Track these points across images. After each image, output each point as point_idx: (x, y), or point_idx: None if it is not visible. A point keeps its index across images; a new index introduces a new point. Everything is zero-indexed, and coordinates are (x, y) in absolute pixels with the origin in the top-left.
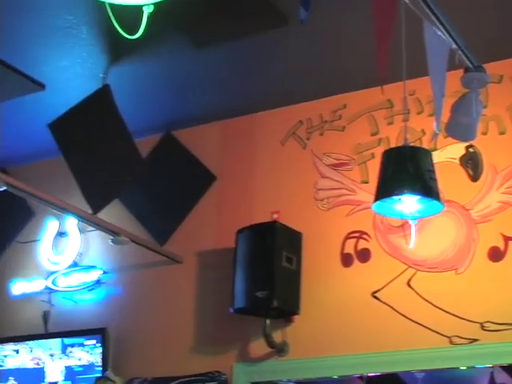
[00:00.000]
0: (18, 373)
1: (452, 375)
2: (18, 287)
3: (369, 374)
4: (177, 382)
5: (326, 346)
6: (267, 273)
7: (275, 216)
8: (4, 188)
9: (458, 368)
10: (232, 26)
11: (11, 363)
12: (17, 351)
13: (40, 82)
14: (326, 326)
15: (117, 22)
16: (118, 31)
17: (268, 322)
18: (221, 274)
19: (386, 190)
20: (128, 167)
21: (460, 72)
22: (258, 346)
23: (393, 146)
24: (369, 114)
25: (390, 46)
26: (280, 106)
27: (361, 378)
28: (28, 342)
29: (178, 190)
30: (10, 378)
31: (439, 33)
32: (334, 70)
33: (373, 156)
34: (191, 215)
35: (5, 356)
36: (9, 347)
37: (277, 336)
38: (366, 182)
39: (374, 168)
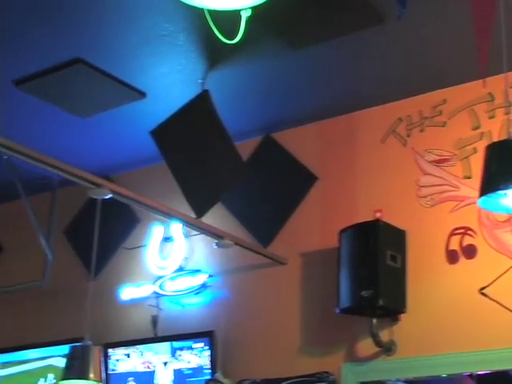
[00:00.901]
0: (131, 376)
1: None
2: (127, 292)
3: (478, 372)
4: (286, 382)
5: (433, 345)
6: (372, 272)
7: (378, 214)
8: (109, 195)
9: None
10: (328, 26)
11: (123, 367)
12: (128, 355)
13: (140, 90)
14: (433, 323)
15: (215, 27)
16: (215, 36)
17: (374, 321)
18: (325, 274)
19: (490, 184)
20: (230, 171)
21: None
22: (366, 346)
23: (495, 139)
24: (469, 109)
25: (491, 38)
26: (378, 104)
27: (470, 376)
28: (138, 346)
29: (280, 192)
30: (130, 379)
31: None
32: (432, 66)
33: (475, 151)
34: (294, 216)
35: (117, 360)
36: (120, 351)
37: (384, 335)
38: (469, 178)
39: (477, 163)
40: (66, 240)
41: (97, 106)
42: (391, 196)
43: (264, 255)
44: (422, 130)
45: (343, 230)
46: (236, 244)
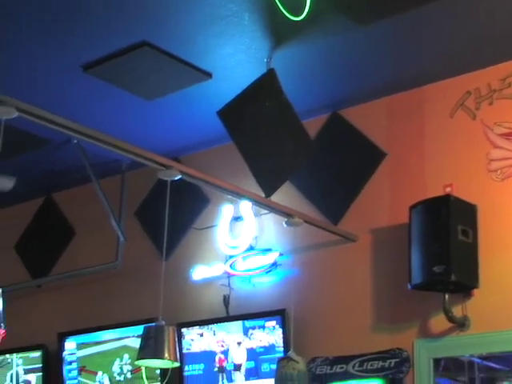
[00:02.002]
0: (205, 356)
1: None
2: (199, 272)
3: None
4: (358, 359)
5: (507, 320)
6: (443, 247)
7: (448, 189)
8: (179, 176)
9: None
10: (395, 0)
11: (197, 346)
12: (201, 334)
13: (206, 71)
14: (507, 298)
15: (281, 4)
16: (280, 14)
17: (447, 296)
18: (396, 250)
19: None
20: (298, 149)
21: None
22: (438, 322)
23: None
24: None
25: None
26: (446, 77)
27: None
28: (211, 326)
29: (349, 169)
30: (198, 360)
31: None
32: (499, 37)
33: None
34: (363, 193)
35: (191, 340)
36: (194, 331)
37: (457, 311)
38: None
39: None
40: (136, 222)
41: (163, 88)
42: (461, 170)
43: (334, 233)
44: (490, 103)
45: (413, 206)
46: (306, 222)
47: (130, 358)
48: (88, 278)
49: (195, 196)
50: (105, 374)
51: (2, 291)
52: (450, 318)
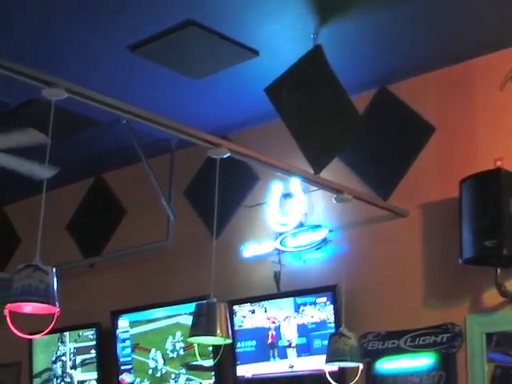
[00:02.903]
0: (257, 332)
1: None
2: (249, 250)
3: None
4: (410, 334)
5: None
6: (495, 221)
7: (499, 163)
8: (228, 154)
9: None
10: None
11: (249, 323)
12: (253, 311)
13: (253, 48)
14: None
15: None
16: None
17: (499, 271)
18: (446, 224)
19: None
20: (346, 125)
21: None
22: (491, 296)
23: None
24: None
25: None
26: (495, 50)
27: None
28: (262, 302)
29: (398, 144)
30: (250, 337)
31: None
32: None
33: None
34: (413, 168)
35: (243, 316)
36: (245, 308)
37: (509, 285)
38: None
39: None
40: (186, 200)
41: (211, 67)
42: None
43: (384, 208)
44: None
45: (464, 180)
46: (355, 198)
47: (182, 336)
48: (139, 256)
49: (244, 174)
50: (158, 352)
51: (56, 270)
52: (503, 293)
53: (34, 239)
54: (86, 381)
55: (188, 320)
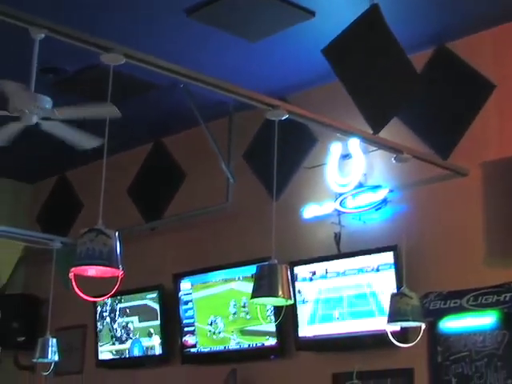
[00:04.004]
0: (319, 293)
1: None
2: (309, 211)
3: None
4: (473, 294)
5: None
6: None
7: None
8: (286, 116)
9: None
10: None
11: (310, 284)
12: (313, 273)
13: (309, 9)
14: None
15: None
16: None
17: None
18: (507, 183)
19: None
20: (404, 84)
21: None
22: None
23: None
24: None
25: None
26: None
27: None
28: (323, 263)
29: (457, 102)
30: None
31: None
32: None
33: None
34: (473, 126)
35: (303, 278)
36: (306, 269)
37: None
38: None
39: None
40: (245, 163)
41: (267, 29)
42: None
43: (444, 167)
44: None
45: None
46: (415, 157)
47: (243, 298)
48: (200, 219)
49: (303, 135)
50: (219, 314)
51: (118, 234)
52: None
53: (96, 204)
54: (150, 344)
55: (249, 282)
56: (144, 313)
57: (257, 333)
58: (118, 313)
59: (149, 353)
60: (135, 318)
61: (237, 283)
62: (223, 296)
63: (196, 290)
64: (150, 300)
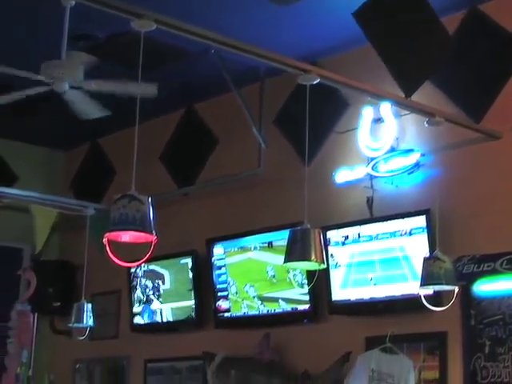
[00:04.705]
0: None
1: None
2: (341, 176)
3: None
4: (506, 257)
5: None
6: None
7: None
8: (318, 80)
9: None
10: None
11: (342, 249)
12: (346, 237)
13: None
14: None
15: None
16: None
17: None
18: None
19: None
20: (437, 47)
21: None
22: None
23: None
24: None
25: None
26: None
27: None
28: (356, 228)
29: (490, 65)
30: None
31: None
32: None
33: None
34: (506, 89)
35: (336, 242)
36: (339, 233)
37: None
38: None
39: None
40: (277, 129)
41: None
42: None
43: (477, 130)
44: None
45: None
46: (447, 121)
47: (276, 262)
48: (232, 185)
49: (335, 100)
50: (252, 280)
51: (151, 199)
52: None
53: (129, 171)
54: (183, 307)
55: (283, 246)
56: (177, 278)
57: (289, 299)
58: (151, 278)
59: (182, 317)
60: (168, 283)
61: (276, 244)
62: (256, 262)
63: (229, 256)
64: (184, 265)
